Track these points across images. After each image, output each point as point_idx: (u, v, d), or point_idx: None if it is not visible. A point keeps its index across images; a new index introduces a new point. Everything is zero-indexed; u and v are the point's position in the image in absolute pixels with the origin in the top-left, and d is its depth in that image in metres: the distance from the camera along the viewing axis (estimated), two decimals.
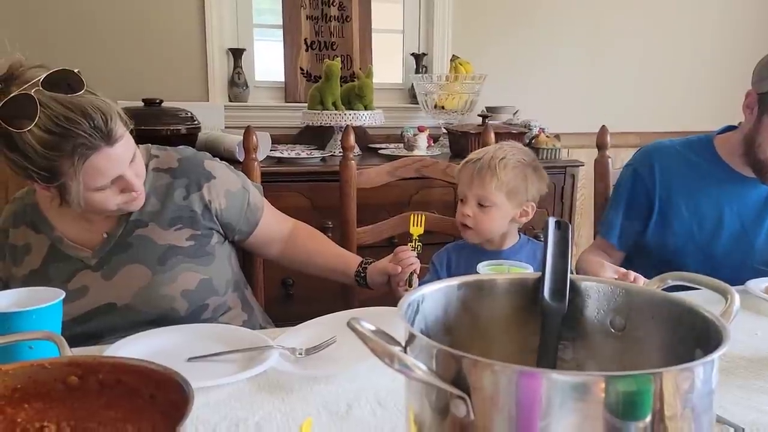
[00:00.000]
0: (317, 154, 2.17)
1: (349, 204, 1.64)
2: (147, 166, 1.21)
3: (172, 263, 1.16)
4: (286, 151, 2.17)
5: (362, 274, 1.33)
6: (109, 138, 1.02)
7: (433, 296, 0.61)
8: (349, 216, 1.64)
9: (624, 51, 2.74)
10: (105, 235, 1.17)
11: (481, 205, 1.31)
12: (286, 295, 2.04)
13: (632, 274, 1.19)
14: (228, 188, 1.26)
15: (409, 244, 1.34)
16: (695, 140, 1.52)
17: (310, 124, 2.25)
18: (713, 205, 1.45)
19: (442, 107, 2.33)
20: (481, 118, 2.28)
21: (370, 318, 1.07)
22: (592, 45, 2.70)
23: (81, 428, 0.67)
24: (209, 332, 1.04)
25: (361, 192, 1.66)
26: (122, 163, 1.07)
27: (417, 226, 1.36)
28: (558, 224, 0.65)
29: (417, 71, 2.50)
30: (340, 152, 2.20)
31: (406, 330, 0.53)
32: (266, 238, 1.35)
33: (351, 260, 1.36)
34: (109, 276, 1.15)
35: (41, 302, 0.83)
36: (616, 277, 1.23)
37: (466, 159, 1.36)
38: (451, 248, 1.45)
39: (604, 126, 1.72)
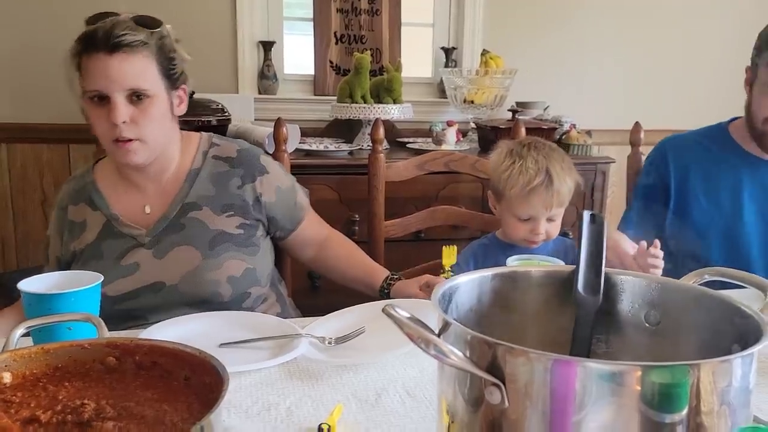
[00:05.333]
0: (345, 147, 2.18)
1: (377, 197, 1.64)
2: (207, 153, 1.27)
3: (221, 249, 1.20)
4: (314, 144, 2.19)
5: (386, 290, 1.30)
6: (107, 42, 1.09)
7: (467, 286, 0.61)
8: (377, 209, 1.65)
9: (658, 46, 2.69)
10: (158, 216, 1.22)
11: (549, 220, 1.34)
12: (312, 287, 2.05)
13: (651, 247, 1.19)
14: (278, 185, 1.31)
15: (442, 274, 1.32)
16: (709, 128, 1.53)
17: (339, 117, 2.26)
18: (731, 189, 1.44)
19: (472, 102, 2.32)
20: (510, 113, 2.27)
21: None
22: (625, 40, 2.66)
23: (119, 407, 0.68)
24: (240, 320, 1.06)
25: (389, 185, 1.66)
26: (114, 81, 1.10)
27: (449, 257, 1.35)
28: (593, 218, 0.65)
29: (446, 65, 2.50)
30: (368, 146, 2.22)
31: (440, 318, 0.53)
32: (304, 240, 1.38)
33: (378, 273, 1.34)
34: (161, 255, 1.19)
35: (80, 285, 0.86)
36: (633, 253, 1.23)
37: (526, 181, 1.30)
38: (476, 245, 1.45)
39: (637, 122, 1.69)
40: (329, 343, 0.97)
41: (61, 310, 0.83)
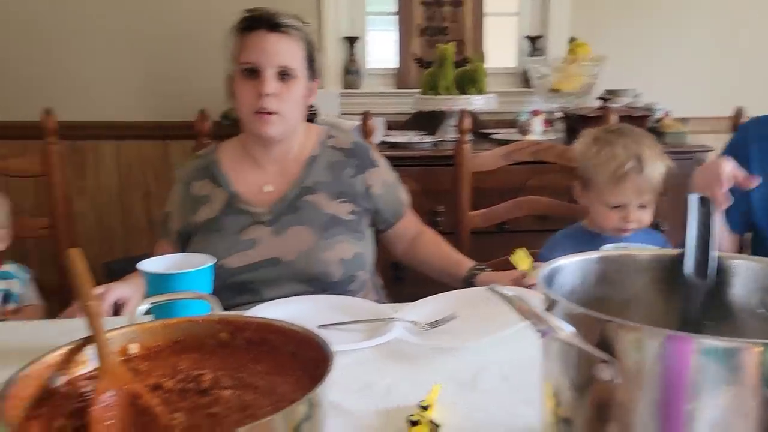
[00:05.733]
0: (429, 139, 2.20)
1: (463, 188, 1.65)
2: (325, 143, 1.37)
3: (333, 232, 1.28)
4: (397, 137, 2.22)
5: (471, 280, 1.31)
6: (269, 21, 1.23)
7: (570, 268, 0.62)
8: (463, 200, 1.65)
9: (756, 29, 2.53)
10: (278, 196, 1.32)
11: (641, 207, 1.31)
12: (396, 278, 2.08)
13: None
14: (385, 179, 1.40)
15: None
16: None
17: (422, 109, 2.28)
18: None
19: (558, 91, 2.27)
20: (599, 101, 2.20)
21: (488, 294, 1.09)
22: (722, 20, 2.51)
23: (234, 377, 0.73)
24: (335, 303, 1.10)
25: (474, 176, 1.66)
26: (269, 55, 1.22)
27: (523, 261, 1.32)
28: (701, 200, 0.63)
29: (531, 54, 2.46)
30: (451, 137, 2.22)
31: (547, 296, 0.54)
32: (399, 236, 1.44)
33: (463, 263, 1.36)
34: (279, 233, 1.28)
35: (194, 266, 0.92)
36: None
37: (616, 167, 1.28)
38: (561, 236, 1.43)
39: (740, 108, 1.61)
40: (422, 327, 0.99)
41: (177, 288, 0.90)
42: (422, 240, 1.44)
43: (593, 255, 0.63)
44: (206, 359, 0.79)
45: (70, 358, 0.73)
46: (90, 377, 0.74)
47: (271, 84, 1.22)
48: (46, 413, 0.66)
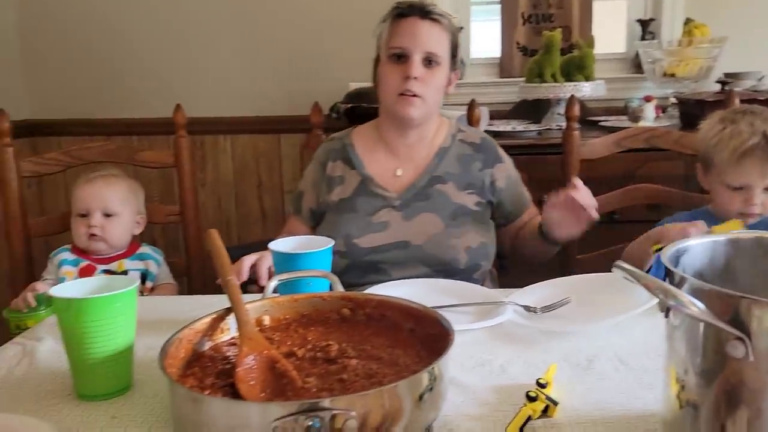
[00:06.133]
0: (534, 127, 2.17)
1: (571, 175, 1.62)
2: (455, 136, 1.43)
3: (461, 221, 1.34)
4: (501, 126, 2.21)
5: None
6: (422, 10, 1.31)
7: (697, 250, 0.61)
8: None
9: None
10: (409, 183, 1.39)
11: (767, 190, 1.25)
12: (501, 267, 2.08)
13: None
14: (510, 174, 1.45)
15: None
16: None
17: (527, 98, 2.25)
18: None
19: (672, 75, 2.16)
20: (718, 85, 2.08)
21: (599, 282, 1.08)
22: None
23: (358, 349, 0.78)
24: (449, 287, 1.13)
25: (582, 164, 1.63)
26: (418, 41, 1.29)
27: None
28: None
29: (643, 38, 2.35)
30: (557, 126, 2.18)
31: (674, 275, 0.54)
32: (514, 231, 1.46)
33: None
34: (409, 218, 1.35)
35: (316, 247, 0.99)
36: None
37: (738, 144, 1.22)
38: (686, 216, 1.37)
39: None
40: (534, 311, 1.00)
41: (301, 267, 0.97)
42: (526, 226, 1.46)
43: (722, 237, 0.62)
44: (331, 332, 0.86)
45: (214, 326, 0.82)
46: (231, 343, 0.82)
47: (418, 68, 1.29)
48: (198, 372, 0.74)
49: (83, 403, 0.76)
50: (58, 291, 0.76)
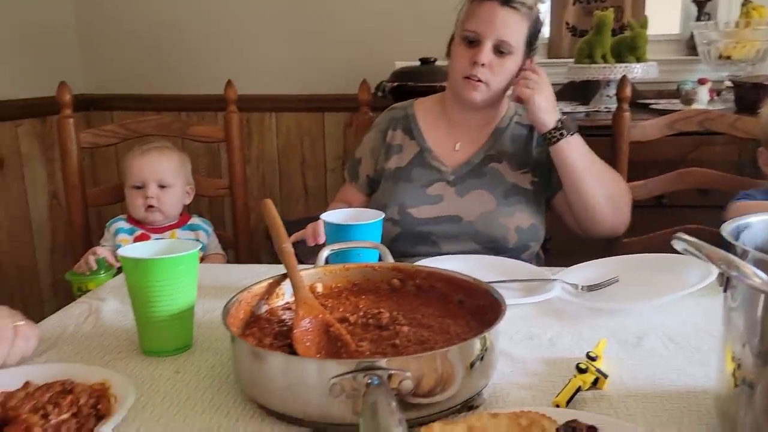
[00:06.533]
0: (581, 109, 2.14)
1: (621, 158, 1.60)
2: (512, 118, 1.43)
3: (513, 201, 1.35)
4: None
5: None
6: None
7: (758, 226, 0.60)
8: (620, 170, 1.60)
9: None
10: (464, 159, 1.39)
11: None
12: (545, 249, 2.07)
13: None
14: None
15: None
16: None
17: (575, 79, 2.21)
18: None
19: (728, 57, 2.10)
20: None
21: (647, 262, 1.07)
22: None
23: (409, 317, 0.80)
24: (496, 264, 1.14)
25: (632, 146, 1.61)
26: (492, 27, 1.28)
27: None
28: None
29: (698, 19, 2.28)
30: (605, 108, 2.15)
31: (737, 248, 0.54)
32: (561, 205, 1.43)
33: None
34: (462, 194, 1.36)
35: (368, 219, 1.01)
36: None
37: None
38: (757, 193, 1.34)
39: None
40: (581, 289, 1.00)
41: (351, 238, 0.99)
42: None
43: None
44: (381, 301, 0.88)
45: (270, 291, 0.85)
46: (285, 308, 0.85)
47: (486, 55, 1.28)
48: (257, 333, 0.77)
49: (148, 359, 0.81)
50: (126, 251, 0.80)
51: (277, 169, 2.67)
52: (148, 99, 2.60)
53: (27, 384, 0.68)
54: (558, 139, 1.28)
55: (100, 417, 0.63)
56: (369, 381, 0.58)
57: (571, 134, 1.29)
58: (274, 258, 1.38)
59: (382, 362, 0.60)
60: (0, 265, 2.25)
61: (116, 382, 0.69)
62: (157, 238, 1.57)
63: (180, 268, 0.79)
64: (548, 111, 1.29)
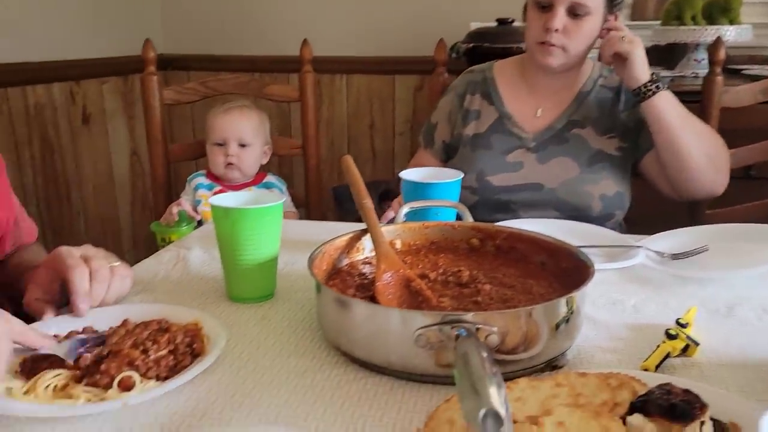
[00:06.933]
0: (666, 73, 2.04)
1: (710, 125, 1.51)
2: (596, 80, 1.37)
3: (598, 168, 1.31)
4: None
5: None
6: None
7: None
8: None
9: None
10: (545, 125, 1.35)
11: None
12: (624, 219, 2.01)
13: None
14: None
15: None
16: None
17: (660, 42, 2.10)
18: None
19: None
20: None
21: (737, 231, 1.02)
22: None
23: (489, 276, 0.80)
24: (578, 228, 1.11)
25: (722, 113, 1.52)
26: None
27: None
28: None
29: None
30: (692, 73, 2.04)
31: None
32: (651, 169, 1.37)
33: None
34: (543, 160, 1.33)
35: (447, 178, 1.00)
36: None
37: None
38: None
39: None
40: (666, 256, 0.97)
41: (430, 197, 0.99)
42: None
43: None
44: (460, 260, 0.88)
45: (351, 245, 0.87)
46: (365, 262, 0.86)
47: (559, 20, 1.23)
48: (339, 284, 0.79)
49: (234, 305, 0.84)
50: (216, 200, 0.82)
51: (346, 132, 2.68)
52: (221, 60, 2.66)
53: (125, 322, 0.73)
54: (653, 93, 1.22)
55: (195, 355, 0.67)
56: (457, 333, 0.58)
57: (665, 89, 1.23)
58: (340, 218, 1.41)
59: (469, 316, 0.60)
60: (87, 218, 2.38)
61: (208, 323, 0.72)
62: None
63: (266, 218, 0.82)
64: (644, 66, 1.23)
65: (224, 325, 0.72)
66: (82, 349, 0.66)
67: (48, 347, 0.66)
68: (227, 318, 0.80)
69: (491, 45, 1.96)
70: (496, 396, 0.44)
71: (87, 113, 2.33)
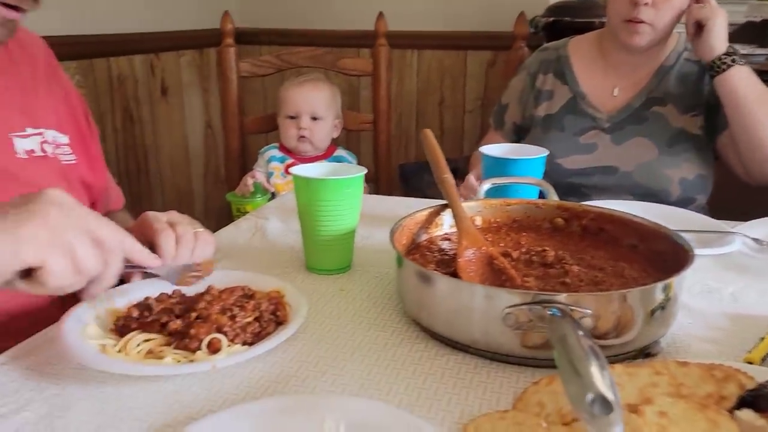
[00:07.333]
0: (760, 51, 1.90)
1: None
2: (681, 54, 1.30)
3: (679, 149, 1.24)
4: None
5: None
6: None
7: None
8: None
9: None
10: (623, 103, 1.29)
11: None
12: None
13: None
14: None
15: None
16: None
17: (755, 18, 1.96)
18: None
19: None
20: None
21: None
22: None
23: (577, 257, 0.77)
24: (665, 212, 1.05)
25: None
26: None
27: None
28: None
29: None
30: None
31: None
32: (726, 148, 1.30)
33: None
34: (619, 141, 1.27)
35: (530, 155, 0.97)
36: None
37: None
38: None
39: None
40: (765, 244, 0.90)
41: (512, 173, 0.96)
42: None
43: None
44: (543, 240, 0.84)
45: (430, 220, 0.85)
46: (444, 238, 0.84)
47: None
48: (419, 259, 0.77)
49: (312, 275, 0.84)
50: (298, 171, 0.82)
51: (415, 108, 2.65)
52: (289, 33, 2.66)
53: (210, 287, 0.74)
54: (728, 67, 1.14)
55: (279, 323, 0.67)
56: (549, 313, 0.55)
57: (741, 64, 1.15)
58: (405, 195, 1.39)
59: (561, 297, 0.58)
60: (163, 187, 2.46)
61: (289, 292, 0.72)
62: None
63: (347, 190, 0.81)
64: (723, 37, 1.15)
65: (305, 294, 0.72)
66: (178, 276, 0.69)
67: (155, 267, 0.67)
68: (305, 287, 0.80)
69: (572, 19, 1.88)
70: (601, 379, 0.42)
71: (165, 85, 2.39)
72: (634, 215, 0.80)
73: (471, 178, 1.06)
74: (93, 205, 0.95)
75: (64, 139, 0.88)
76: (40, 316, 0.63)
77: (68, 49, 0.94)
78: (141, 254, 0.64)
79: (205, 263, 0.72)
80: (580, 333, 0.49)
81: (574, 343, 0.47)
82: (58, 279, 0.54)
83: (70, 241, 0.54)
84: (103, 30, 2.07)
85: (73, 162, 0.88)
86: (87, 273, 0.56)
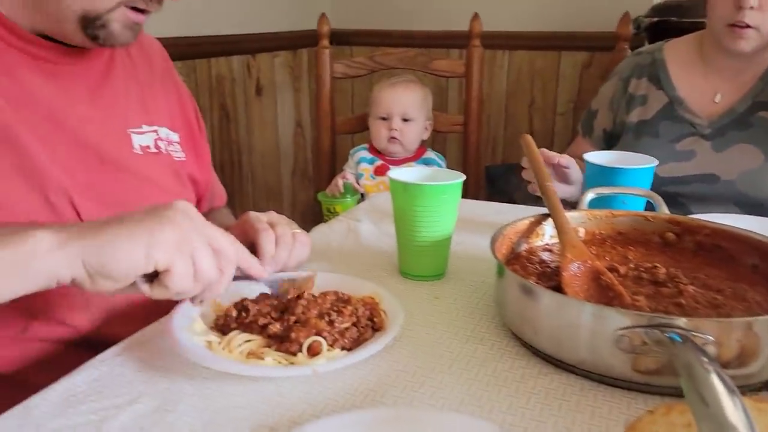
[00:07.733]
0: None
1: None
2: None
3: None
4: None
5: None
6: None
7: None
8: None
9: None
10: (725, 108, 1.21)
11: None
12: None
13: None
14: None
15: None
16: None
17: None
18: None
19: None
20: None
21: None
22: None
23: (690, 277, 0.71)
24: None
25: None
26: None
27: None
28: None
29: None
30: None
31: None
32: None
33: None
34: (720, 149, 1.19)
35: (638, 164, 0.91)
36: None
37: None
38: None
39: None
40: None
41: (617, 183, 0.91)
42: None
43: None
44: (653, 255, 0.79)
45: (531, 229, 0.82)
46: (545, 249, 0.81)
47: None
48: (519, 270, 0.75)
49: (406, 281, 0.83)
50: (396, 174, 0.82)
51: (503, 110, 2.59)
52: (379, 34, 2.68)
53: (303, 292, 0.74)
54: None
55: (375, 329, 0.67)
56: (669, 336, 0.52)
57: None
58: (489, 198, 1.34)
59: (681, 321, 0.54)
60: (254, 185, 2.54)
61: (385, 297, 0.71)
62: None
63: (444, 196, 0.79)
64: None
65: (400, 301, 0.71)
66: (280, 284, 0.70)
67: (265, 280, 0.68)
68: (398, 293, 0.79)
69: (679, 19, 1.77)
70: (736, 415, 0.38)
71: (260, 85, 2.47)
72: (754, 232, 0.74)
73: None
74: (199, 201, 0.99)
75: (176, 137, 0.92)
76: (154, 307, 0.67)
77: (173, 50, 0.98)
78: (253, 266, 0.66)
79: (306, 279, 0.73)
80: (705, 360, 0.45)
81: (702, 374, 0.43)
82: (181, 282, 0.56)
83: (195, 248, 0.57)
84: (204, 32, 2.16)
85: (183, 159, 0.92)
86: (205, 279, 0.58)
